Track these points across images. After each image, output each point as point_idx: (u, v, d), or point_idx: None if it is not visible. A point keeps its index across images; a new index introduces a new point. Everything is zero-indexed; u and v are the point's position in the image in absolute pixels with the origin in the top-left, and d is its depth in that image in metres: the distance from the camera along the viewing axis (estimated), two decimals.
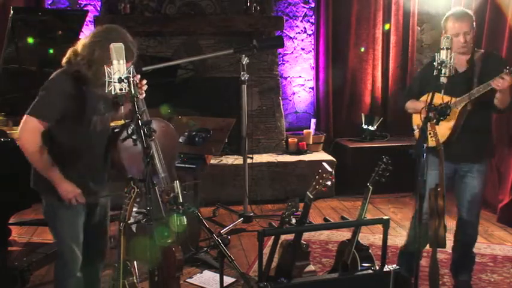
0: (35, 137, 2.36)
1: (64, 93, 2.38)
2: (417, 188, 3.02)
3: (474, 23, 3.05)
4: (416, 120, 3.24)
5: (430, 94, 2.60)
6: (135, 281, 2.42)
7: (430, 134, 2.61)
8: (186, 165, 3.90)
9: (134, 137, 2.25)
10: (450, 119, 2.94)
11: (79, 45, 2.43)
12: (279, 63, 6.07)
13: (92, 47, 2.37)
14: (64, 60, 2.45)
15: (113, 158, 2.60)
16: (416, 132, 3.23)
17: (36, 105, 2.38)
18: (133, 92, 2.22)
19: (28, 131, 2.37)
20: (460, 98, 2.96)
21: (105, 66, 2.22)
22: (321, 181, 2.65)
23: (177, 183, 2.61)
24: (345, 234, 4.13)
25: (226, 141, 4.07)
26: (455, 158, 3.01)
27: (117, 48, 2.18)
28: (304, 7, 6.18)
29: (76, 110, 2.41)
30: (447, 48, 2.56)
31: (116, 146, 2.55)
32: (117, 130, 2.64)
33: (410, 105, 3.26)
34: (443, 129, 2.97)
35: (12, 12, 3.57)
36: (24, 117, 2.38)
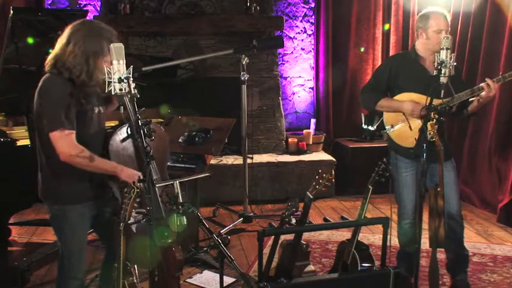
0: (73, 147, 2.31)
1: (66, 96, 2.34)
2: (394, 190, 3.03)
3: None
4: (389, 121, 3.18)
5: (429, 97, 2.59)
6: (135, 281, 2.42)
7: (430, 134, 2.60)
8: (186, 165, 3.90)
9: (135, 137, 2.24)
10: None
11: (63, 52, 2.37)
12: (279, 63, 6.07)
13: (83, 55, 2.34)
14: (48, 67, 2.39)
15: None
16: (390, 132, 3.17)
17: (52, 118, 2.31)
18: (133, 92, 2.22)
19: (64, 145, 2.30)
20: (449, 99, 2.92)
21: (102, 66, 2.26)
22: (321, 181, 2.65)
23: (177, 183, 2.60)
24: (345, 234, 4.13)
25: (226, 141, 4.07)
26: (428, 158, 2.97)
27: (117, 48, 2.18)
28: (304, 7, 6.18)
29: (77, 110, 2.38)
30: (447, 48, 2.56)
31: (106, 149, 2.53)
32: (110, 131, 2.62)
33: (385, 103, 3.14)
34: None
35: (12, 12, 3.57)
36: (51, 136, 2.31)
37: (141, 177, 2.28)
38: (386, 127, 3.19)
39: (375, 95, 3.17)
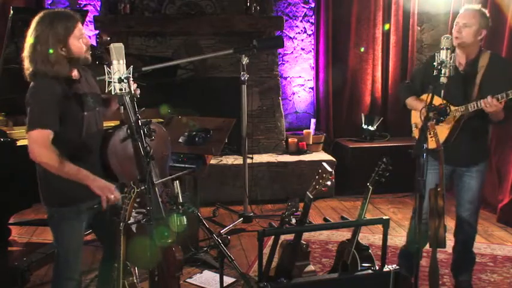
0: (45, 148, 2.29)
1: (54, 96, 2.32)
2: (416, 188, 3.04)
3: (483, 22, 2.93)
4: (415, 119, 3.22)
5: (430, 95, 2.59)
6: (135, 281, 2.42)
7: (430, 134, 2.61)
8: (186, 165, 3.89)
9: (135, 137, 2.24)
10: (448, 121, 2.93)
11: (26, 58, 2.36)
12: (279, 63, 6.07)
13: (32, 45, 2.33)
14: (28, 76, 2.37)
15: (103, 161, 2.55)
16: (415, 130, 3.23)
17: (32, 117, 2.31)
18: (132, 92, 2.22)
19: (37, 145, 2.29)
20: (456, 108, 2.92)
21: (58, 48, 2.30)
22: (321, 181, 2.64)
23: (177, 183, 2.60)
24: (345, 234, 4.13)
25: (226, 141, 4.07)
26: (452, 161, 2.99)
27: (117, 48, 2.18)
28: (304, 7, 6.18)
29: (68, 111, 2.37)
30: (447, 48, 2.55)
31: (105, 149, 2.52)
32: (110, 131, 2.61)
33: (411, 102, 3.21)
34: (442, 130, 2.95)
35: (12, 12, 3.57)
36: (27, 135, 2.30)
37: (113, 192, 2.27)
38: (412, 125, 3.23)
39: (406, 93, 3.25)
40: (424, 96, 3.12)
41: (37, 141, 2.29)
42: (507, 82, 2.83)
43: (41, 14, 2.40)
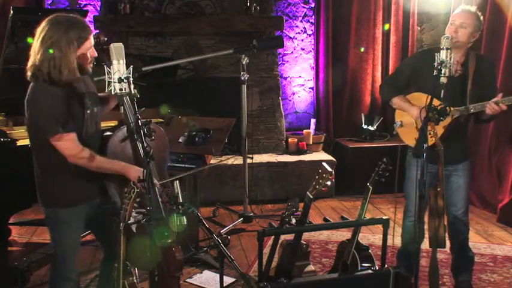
0: (79, 150, 2.32)
1: (59, 99, 2.32)
2: (404, 189, 3.05)
3: (477, 25, 2.96)
4: (399, 116, 3.20)
5: (429, 96, 2.59)
6: (135, 281, 2.42)
7: (430, 134, 2.60)
8: (186, 165, 3.89)
9: (134, 137, 2.25)
10: (442, 121, 2.93)
11: (35, 57, 2.32)
12: (279, 63, 6.07)
13: (46, 49, 2.29)
14: (30, 76, 2.35)
15: None
16: (398, 128, 3.20)
17: (47, 126, 2.31)
18: (133, 92, 2.22)
19: (69, 150, 2.32)
20: (455, 109, 2.93)
21: (70, 58, 2.27)
22: (320, 181, 2.64)
23: (177, 183, 2.60)
24: (345, 234, 4.13)
25: (226, 141, 4.07)
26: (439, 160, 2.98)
27: (117, 48, 2.17)
28: (304, 7, 6.18)
29: (70, 112, 2.36)
30: (447, 48, 2.55)
31: (105, 149, 2.52)
32: (107, 134, 2.61)
33: (398, 102, 3.15)
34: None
35: (12, 12, 3.57)
36: (52, 143, 2.30)
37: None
38: (396, 122, 3.20)
39: (392, 91, 3.19)
40: (413, 95, 3.11)
41: (69, 146, 2.32)
42: (493, 82, 2.97)
43: (56, 18, 2.35)
